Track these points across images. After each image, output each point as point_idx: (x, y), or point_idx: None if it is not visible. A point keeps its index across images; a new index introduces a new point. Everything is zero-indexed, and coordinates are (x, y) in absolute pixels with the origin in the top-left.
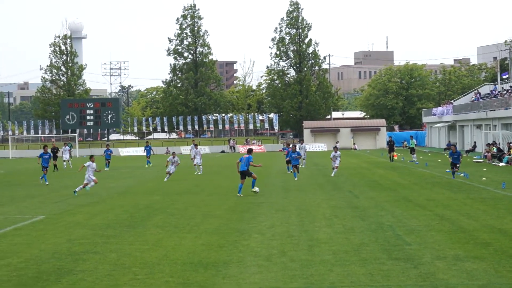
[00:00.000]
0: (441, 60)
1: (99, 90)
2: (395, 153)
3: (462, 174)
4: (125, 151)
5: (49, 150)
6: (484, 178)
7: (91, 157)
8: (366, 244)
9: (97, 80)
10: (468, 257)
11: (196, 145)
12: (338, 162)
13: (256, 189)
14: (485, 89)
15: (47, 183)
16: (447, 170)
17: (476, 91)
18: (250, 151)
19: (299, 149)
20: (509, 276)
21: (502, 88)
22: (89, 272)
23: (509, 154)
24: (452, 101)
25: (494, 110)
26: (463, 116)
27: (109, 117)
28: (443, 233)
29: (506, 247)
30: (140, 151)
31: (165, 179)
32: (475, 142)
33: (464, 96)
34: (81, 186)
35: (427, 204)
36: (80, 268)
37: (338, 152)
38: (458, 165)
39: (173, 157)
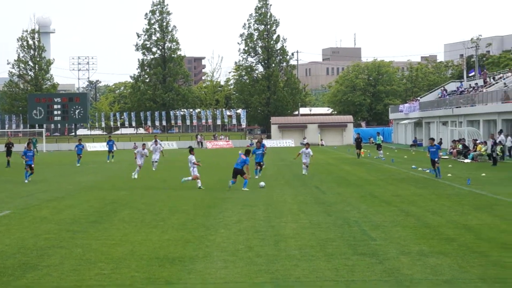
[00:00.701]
0: (408, 57)
1: (67, 85)
2: (362, 150)
3: (427, 171)
4: (92, 146)
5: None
6: (449, 174)
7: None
8: (332, 240)
9: (65, 75)
10: (433, 253)
11: (156, 141)
12: (309, 160)
13: (262, 183)
14: (451, 86)
15: (26, 181)
16: (413, 166)
17: (442, 88)
18: (248, 152)
19: (304, 154)
20: (472, 271)
21: (469, 85)
22: (55, 267)
23: (475, 151)
24: (418, 98)
25: (460, 107)
26: (430, 112)
27: (76, 112)
28: (408, 229)
29: (470, 242)
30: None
31: (134, 174)
32: (441, 139)
33: (430, 93)
34: None
35: (393, 200)
36: (45, 263)
37: (309, 149)
38: (437, 160)
39: (143, 149)
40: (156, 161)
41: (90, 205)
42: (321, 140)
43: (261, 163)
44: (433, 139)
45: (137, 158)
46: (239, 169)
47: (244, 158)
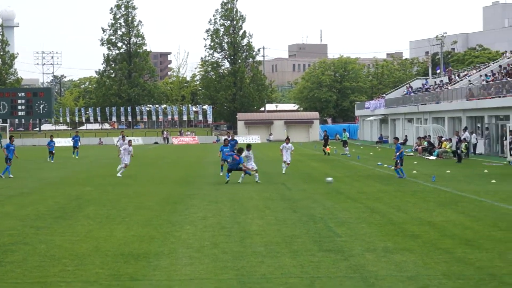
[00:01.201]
0: (374, 54)
1: (31, 79)
2: (328, 147)
3: (393, 167)
4: (57, 142)
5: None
6: (414, 171)
7: None
8: (297, 236)
9: (29, 69)
10: (398, 249)
11: (123, 137)
12: (290, 157)
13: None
14: (417, 83)
15: (10, 175)
16: (379, 163)
17: (408, 85)
18: (240, 151)
19: (285, 149)
20: (437, 267)
21: (434, 82)
22: (18, 264)
23: (440, 148)
24: (384, 95)
25: (425, 104)
26: (395, 109)
27: (41, 107)
28: (374, 226)
29: (435, 239)
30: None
31: (119, 174)
32: (406, 136)
33: (396, 90)
34: None
35: (358, 197)
36: (8, 259)
37: (290, 144)
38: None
39: (128, 145)
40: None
41: (54, 201)
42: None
43: (228, 160)
44: (397, 138)
45: (122, 155)
46: (234, 169)
47: (237, 159)
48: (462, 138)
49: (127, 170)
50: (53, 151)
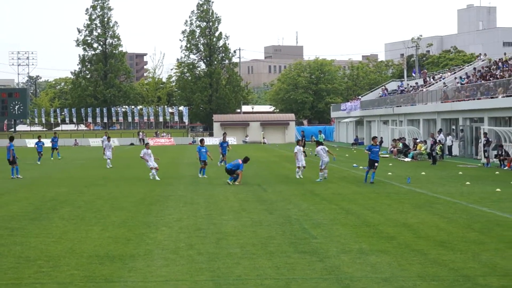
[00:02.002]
0: (350, 56)
1: (6, 80)
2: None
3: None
4: (32, 143)
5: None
6: (389, 173)
7: None
8: (273, 237)
9: (4, 70)
10: (373, 251)
11: (109, 138)
12: (303, 161)
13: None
14: (392, 85)
15: (19, 176)
16: (354, 164)
17: (383, 87)
18: (246, 160)
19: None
20: (411, 269)
21: (408, 84)
22: None
23: (415, 150)
24: (359, 97)
25: (401, 106)
26: (371, 111)
27: (16, 108)
28: (349, 227)
29: (409, 240)
30: (48, 142)
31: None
32: (381, 138)
33: (371, 92)
34: None
35: (334, 198)
36: None
37: (322, 147)
38: (376, 164)
39: (108, 141)
40: (109, 158)
41: (29, 202)
42: (264, 138)
43: (206, 161)
44: (376, 137)
45: (105, 151)
46: (231, 169)
47: (239, 163)
48: (437, 140)
49: (102, 171)
50: (41, 152)
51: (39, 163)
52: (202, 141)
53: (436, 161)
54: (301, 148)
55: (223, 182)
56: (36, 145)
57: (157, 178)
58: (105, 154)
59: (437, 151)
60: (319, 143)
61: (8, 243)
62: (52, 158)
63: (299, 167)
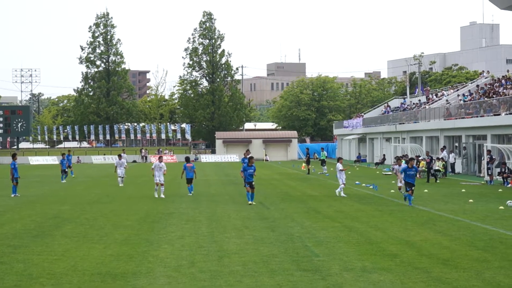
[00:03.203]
0: (352, 73)
1: (9, 97)
2: (304, 165)
3: (371, 186)
4: (35, 160)
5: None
6: (392, 191)
7: None
8: (275, 255)
9: (7, 87)
10: (375, 269)
11: (120, 156)
12: (344, 177)
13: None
14: (395, 103)
15: (17, 194)
16: (357, 182)
17: (386, 105)
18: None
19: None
20: (414, 287)
21: (411, 101)
22: None
23: (418, 167)
24: (362, 114)
25: (403, 123)
26: (373, 128)
27: (19, 125)
28: (351, 245)
29: (412, 259)
30: (50, 159)
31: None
32: (384, 155)
33: (374, 109)
34: None
35: (336, 216)
36: None
37: (339, 165)
38: (413, 188)
39: (119, 159)
40: (122, 176)
41: (32, 220)
42: (266, 155)
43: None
44: (413, 159)
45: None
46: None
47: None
48: (440, 157)
49: (105, 188)
50: (66, 170)
51: (64, 181)
52: (187, 157)
53: (430, 178)
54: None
55: (225, 199)
56: (60, 162)
57: (162, 196)
58: (116, 172)
59: (439, 168)
60: (323, 162)
61: (10, 261)
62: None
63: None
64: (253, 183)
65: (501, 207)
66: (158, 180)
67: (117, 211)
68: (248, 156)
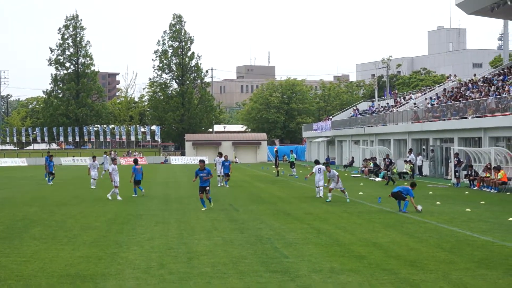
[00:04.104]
0: (321, 77)
1: None
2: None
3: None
4: (3, 162)
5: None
6: (360, 193)
7: None
8: (244, 257)
9: None
10: (344, 270)
11: (94, 157)
12: (340, 183)
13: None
14: (363, 106)
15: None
16: (325, 184)
17: (354, 107)
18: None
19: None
20: None
21: (379, 105)
22: None
23: (386, 169)
24: (331, 117)
25: (372, 126)
26: (342, 131)
27: None
28: (320, 246)
29: (380, 260)
30: (19, 161)
31: (93, 186)
32: (352, 157)
33: (343, 112)
34: None
35: (305, 218)
36: None
37: (334, 172)
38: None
39: (93, 161)
40: (94, 178)
41: (0, 222)
42: (235, 157)
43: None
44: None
45: (90, 171)
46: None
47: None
48: (408, 160)
49: (74, 190)
50: (53, 172)
51: (48, 183)
52: (136, 160)
53: (390, 181)
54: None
55: (194, 201)
56: (47, 164)
57: (119, 198)
58: (90, 174)
59: (407, 171)
60: (292, 164)
61: None
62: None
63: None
64: (208, 188)
65: (468, 209)
66: (118, 183)
67: (85, 212)
68: (199, 160)
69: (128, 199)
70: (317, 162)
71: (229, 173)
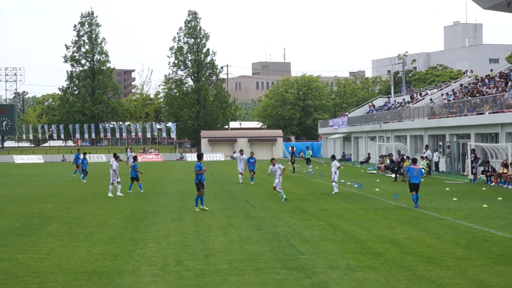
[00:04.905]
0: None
1: None
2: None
3: (356, 185)
4: (20, 159)
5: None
6: (377, 189)
7: None
8: (261, 254)
9: None
10: (360, 267)
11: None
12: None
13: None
14: (379, 102)
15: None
16: (342, 180)
17: (370, 104)
18: (200, 156)
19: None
20: (399, 285)
21: (395, 101)
22: None
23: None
24: (347, 113)
25: (388, 122)
26: (358, 127)
27: (3, 124)
28: (336, 243)
29: (397, 256)
30: (35, 158)
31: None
32: (369, 154)
33: (358, 108)
34: None
35: (321, 214)
36: None
37: (334, 161)
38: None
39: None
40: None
41: (16, 218)
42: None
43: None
44: (415, 159)
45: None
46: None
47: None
48: (424, 156)
49: (90, 187)
50: (87, 169)
51: (83, 180)
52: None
53: (396, 178)
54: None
55: (210, 198)
56: (81, 162)
57: (120, 194)
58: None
59: (423, 167)
60: (308, 160)
61: None
62: (74, 175)
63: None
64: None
65: (485, 205)
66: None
67: (102, 209)
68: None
69: (144, 196)
70: (333, 158)
71: (255, 170)
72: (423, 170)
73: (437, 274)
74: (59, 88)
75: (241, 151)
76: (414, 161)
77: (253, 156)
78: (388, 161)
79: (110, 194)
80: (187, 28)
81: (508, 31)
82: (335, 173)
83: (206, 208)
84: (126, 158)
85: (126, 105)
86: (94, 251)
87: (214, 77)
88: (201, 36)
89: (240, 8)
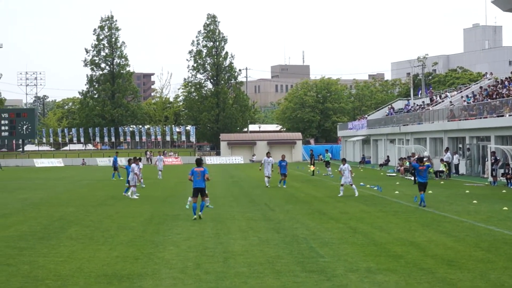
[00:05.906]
0: (356, 75)
1: (15, 100)
2: (312, 166)
3: (375, 188)
4: (40, 162)
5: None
6: (396, 192)
7: None
8: (280, 257)
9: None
10: (380, 270)
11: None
12: (350, 177)
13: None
14: (399, 104)
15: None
16: (361, 183)
17: (390, 106)
18: (199, 162)
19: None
20: None
21: (415, 103)
22: (1, 285)
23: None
24: (366, 116)
25: (407, 125)
26: (377, 130)
27: (24, 128)
28: (356, 246)
29: (417, 259)
30: (55, 162)
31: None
32: (388, 156)
33: (378, 110)
34: None
35: (341, 217)
36: None
37: (347, 165)
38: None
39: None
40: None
41: (37, 222)
42: (254, 155)
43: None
44: (428, 158)
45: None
46: (202, 188)
47: (201, 170)
48: (444, 160)
49: (110, 190)
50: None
51: (144, 186)
52: (134, 161)
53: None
54: (344, 166)
55: (230, 200)
56: (126, 168)
57: (135, 197)
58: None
59: (444, 169)
60: (328, 163)
61: (16, 263)
62: (113, 179)
63: (341, 184)
64: (205, 190)
65: (505, 208)
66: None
67: (122, 212)
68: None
69: (164, 199)
70: (344, 161)
71: (286, 173)
72: (430, 164)
73: (457, 277)
74: (79, 92)
75: (268, 154)
76: (420, 160)
77: (284, 159)
78: (407, 163)
79: (134, 196)
80: (206, 31)
81: None
82: (348, 176)
83: (202, 216)
84: (150, 161)
85: (146, 109)
86: (114, 254)
87: (233, 80)
88: (220, 39)
89: (259, 11)
